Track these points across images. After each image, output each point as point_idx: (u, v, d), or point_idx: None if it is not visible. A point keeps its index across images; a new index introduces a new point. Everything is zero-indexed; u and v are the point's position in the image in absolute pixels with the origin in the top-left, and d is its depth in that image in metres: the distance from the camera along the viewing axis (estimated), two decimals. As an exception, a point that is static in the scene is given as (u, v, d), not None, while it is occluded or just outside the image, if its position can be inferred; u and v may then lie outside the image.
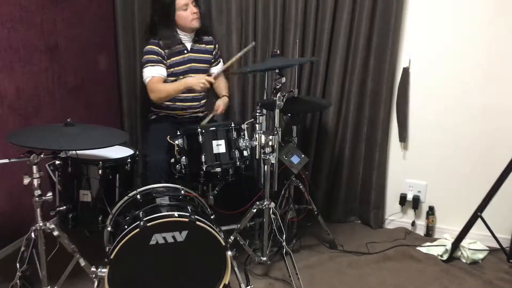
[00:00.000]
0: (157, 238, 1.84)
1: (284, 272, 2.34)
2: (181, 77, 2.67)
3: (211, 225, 1.92)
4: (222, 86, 2.84)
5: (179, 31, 2.67)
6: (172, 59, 2.64)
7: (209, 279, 1.97)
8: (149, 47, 2.62)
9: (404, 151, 2.93)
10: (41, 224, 1.91)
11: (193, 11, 2.61)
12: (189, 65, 2.70)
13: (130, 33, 3.10)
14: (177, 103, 2.72)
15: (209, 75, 2.82)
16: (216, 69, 2.84)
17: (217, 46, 2.86)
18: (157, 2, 2.66)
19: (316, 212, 2.66)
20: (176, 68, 2.65)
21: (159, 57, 2.60)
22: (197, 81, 2.52)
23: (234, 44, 2.93)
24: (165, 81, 2.63)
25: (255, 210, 2.33)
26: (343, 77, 2.85)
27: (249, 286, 2.10)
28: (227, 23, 2.93)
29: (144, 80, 2.61)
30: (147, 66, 2.59)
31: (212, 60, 2.83)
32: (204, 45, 2.77)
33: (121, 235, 1.84)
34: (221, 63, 2.88)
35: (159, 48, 2.61)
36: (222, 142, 2.30)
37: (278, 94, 2.13)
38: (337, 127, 2.94)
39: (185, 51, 2.69)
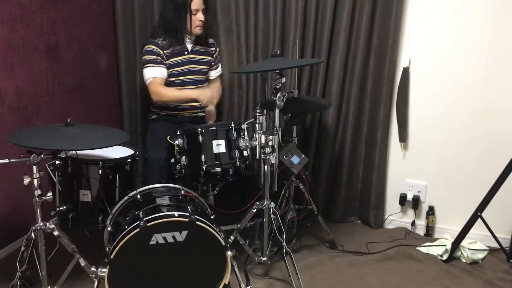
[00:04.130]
0: (157, 238, 1.84)
1: (284, 272, 2.34)
2: (180, 78, 2.68)
3: (211, 225, 1.92)
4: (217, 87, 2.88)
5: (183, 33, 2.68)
6: (172, 59, 2.65)
7: (209, 279, 1.97)
8: (149, 47, 2.62)
9: (404, 151, 2.93)
10: (41, 224, 1.91)
11: (199, 18, 2.62)
12: (188, 66, 2.70)
13: (130, 33, 3.10)
14: (178, 103, 2.72)
15: (208, 78, 2.83)
16: (214, 73, 2.85)
17: (218, 49, 2.87)
18: (170, 1, 2.66)
19: (316, 212, 2.66)
20: (176, 69, 2.65)
21: (159, 58, 2.61)
22: (202, 95, 2.56)
23: (236, 44, 2.93)
24: (165, 81, 2.64)
25: (255, 210, 2.33)
26: (343, 77, 2.84)
27: (249, 286, 2.11)
28: (227, 23, 2.93)
29: (145, 81, 2.63)
30: (148, 66, 2.60)
31: (213, 63, 2.84)
32: (205, 47, 2.77)
33: (121, 235, 1.84)
34: (219, 68, 2.89)
35: (159, 48, 2.61)
36: (222, 142, 2.30)
37: (278, 94, 2.13)
38: (337, 127, 2.94)
39: (186, 52, 2.69)
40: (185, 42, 2.69)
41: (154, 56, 2.60)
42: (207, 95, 2.59)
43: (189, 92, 2.64)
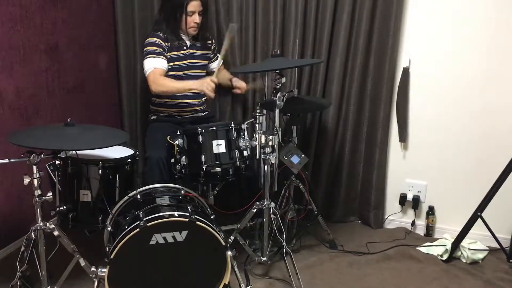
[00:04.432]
0: (157, 238, 1.84)
1: (284, 272, 2.34)
2: (180, 72, 2.67)
3: (211, 225, 1.92)
4: (226, 74, 2.86)
5: (180, 30, 2.68)
6: (172, 53, 2.64)
7: (209, 279, 1.97)
8: (151, 39, 2.61)
9: (404, 151, 2.93)
10: (41, 224, 1.91)
11: (195, 20, 2.62)
12: (188, 61, 2.71)
13: (130, 33, 3.09)
14: (178, 100, 2.72)
15: (209, 72, 2.83)
16: (216, 64, 2.86)
17: (213, 41, 2.88)
18: (168, 0, 2.66)
19: (316, 212, 2.66)
20: (176, 63, 2.65)
21: (161, 49, 2.59)
22: (201, 82, 2.49)
23: (236, 44, 2.93)
24: (166, 74, 2.62)
25: (255, 210, 2.33)
26: (343, 77, 2.85)
27: (249, 286, 2.11)
28: (227, 23, 2.93)
29: (145, 71, 2.59)
30: (149, 57, 2.58)
31: (211, 55, 2.85)
32: (202, 41, 2.78)
33: (121, 235, 1.84)
34: (219, 58, 2.89)
35: (161, 40, 2.60)
36: (222, 142, 2.30)
37: (278, 94, 2.13)
38: (337, 127, 2.94)
39: (185, 47, 2.70)
40: (183, 38, 2.69)
41: (156, 48, 2.58)
42: (207, 81, 2.48)
43: (189, 83, 2.58)
